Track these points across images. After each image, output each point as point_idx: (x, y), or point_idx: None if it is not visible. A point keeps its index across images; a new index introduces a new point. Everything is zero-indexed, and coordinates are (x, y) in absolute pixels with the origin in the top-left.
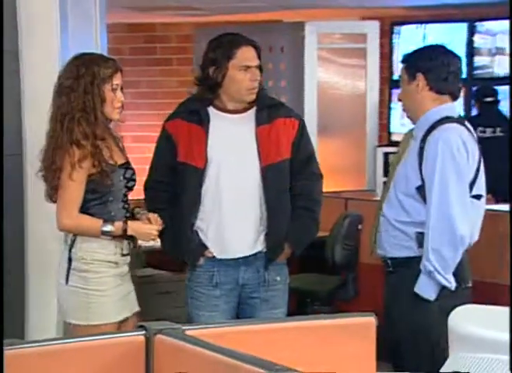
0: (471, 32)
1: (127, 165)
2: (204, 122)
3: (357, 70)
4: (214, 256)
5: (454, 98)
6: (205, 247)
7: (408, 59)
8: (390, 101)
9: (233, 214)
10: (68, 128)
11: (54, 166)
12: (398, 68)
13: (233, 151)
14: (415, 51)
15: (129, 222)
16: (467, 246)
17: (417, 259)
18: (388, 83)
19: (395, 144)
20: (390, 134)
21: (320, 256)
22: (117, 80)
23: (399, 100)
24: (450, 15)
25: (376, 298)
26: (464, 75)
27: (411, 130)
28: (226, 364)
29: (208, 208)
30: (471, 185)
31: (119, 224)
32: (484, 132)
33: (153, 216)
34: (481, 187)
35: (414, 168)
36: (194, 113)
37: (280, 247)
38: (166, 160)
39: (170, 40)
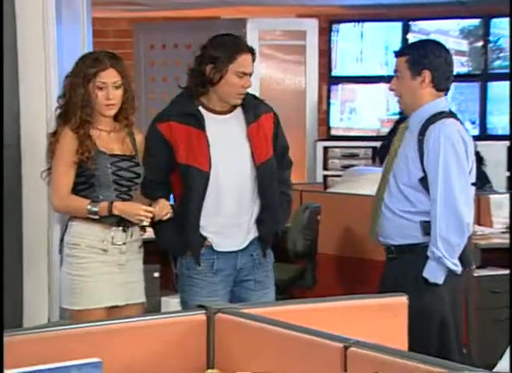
0: (406, 31)
1: (127, 158)
2: (202, 125)
3: (297, 66)
4: (212, 246)
5: (446, 93)
6: (205, 238)
7: (410, 53)
8: (329, 96)
9: (231, 213)
10: (58, 120)
11: (49, 152)
12: (336, 65)
13: (230, 151)
14: (417, 46)
15: (115, 202)
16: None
17: (421, 246)
18: (327, 79)
19: (334, 138)
20: (329, 128)
21: (281, 246)
22: (103, 78)
23: (391, 90)
24: (383, 14)
25: (333, 286)
26: None
27: (405, 123)
28: (297, 338)
29: (209, 207)
30: (469, 174)
31: (105, 204)
32: None
33: (164, 201)
34: (474, 176)
35: (414, 160)
36: (189, 116)
37: (272, 233)
38: (161, 161)
39: (107, 34)
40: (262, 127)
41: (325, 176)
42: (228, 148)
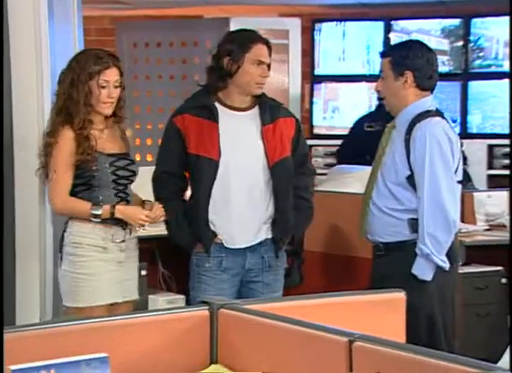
0: (388, 30)
1: (123, 156)
2: (215, 117)
3: (280, 65)
4: (222, 243)
5: (432, 92)
6: (215, 234)
7: (392, 54)
8: (312, 95)
9: (241, 209)
10: (57, 118)
11: (45, 152)
12: (319, 64)
13: (241, 147)
14: (399, 47)
15: (117, 206)
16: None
17: (409, 243)
18: (310, 78)
19: (317, 137)
20: (312, 127)
21: None
22: (106, 76)
23: (377, 91)
24: (365, 13)
25: (320, 283)
26: None
27: (391, 122)
28: (301, 333)
29: (218, 201)
30: (455, 172)
31: (107, 207)
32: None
33: (157, 205)
34: (461, 174)
35: (402, 159)
36: (202, 109)
37: (287, 235)
38: (174, 153)
39: (89, 33)
40: (279, 128)
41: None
42: (240, 142)
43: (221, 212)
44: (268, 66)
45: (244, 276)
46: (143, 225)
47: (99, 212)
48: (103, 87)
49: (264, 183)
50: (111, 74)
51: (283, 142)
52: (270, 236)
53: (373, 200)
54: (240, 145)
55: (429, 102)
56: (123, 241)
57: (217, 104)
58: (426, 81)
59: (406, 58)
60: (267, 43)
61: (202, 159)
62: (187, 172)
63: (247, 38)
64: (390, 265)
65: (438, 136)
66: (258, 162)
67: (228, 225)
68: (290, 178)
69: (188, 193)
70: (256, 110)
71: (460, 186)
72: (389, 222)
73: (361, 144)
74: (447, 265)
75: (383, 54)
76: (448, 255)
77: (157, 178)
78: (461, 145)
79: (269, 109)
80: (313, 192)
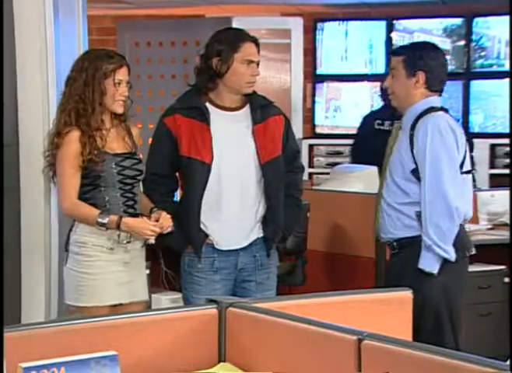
0: (390, 29)
1: (129, 155)
2: (206, 118)
3: (282, 64)
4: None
5: (440, 93)
6: (206, 235)
7: (406, 53)
8: (314, 94)
9: (232, 210)
10: (60, 118)
11: (52, 152)
12: (321, 63)
13: (233, 148)
14: (413, 47)
15: (124, 218)
16: (463, 219)
17: (420, 238)
18: (312, 77)
19: (319, 136)
20: (314, 126)
21: None
22: (120, 75)
23: (384, 88)
24: (366, 13)
25: (323, 283)
26: (384, 71)
27: (398, 123)
28: (310, 331)
29: (210, 203)
30: (462, 163)
31: (114, 217)
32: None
33: (165, 215)
34: (469, 164)
35: (407, 153)
36: (194, 109)
37: (278, 234)
38: (165, 155)
39: (91, 32)
40: (270, 128)
41: (310, 174)
42: (232, 143)
43: (213, 214)
44: (257, 64)
45: (237, 275)
46: (148, 239)
47: (105, 221)
48: (118, 85)
49: (256, 182)
50: (124, 73)
51: (275, 141)
52: (261, 235)
53: (383, 197)
54: (232, 146)
55: (434, 101)
56: (128, 242)
57: (208, 104)
58: (437, 84)
59: (420, 59)
60: (255, 41)
61: (194, 162)
62: (178, 173)
63: (236, 37)
64: (403, 261)
65: (440, 126)
66: (250, 162)
67: (221, 227)
68: (281, 177)
69: (178, 193)
70: (247, 109)
71: (470, 176)
72: (399, 217)
73: (372, 143)
74: (451, 256)
75: (395, 53)
76: (458, 245)
77: (148, 180)
78: (471, 151)
79: (260, 107)
80: (302, 189)
